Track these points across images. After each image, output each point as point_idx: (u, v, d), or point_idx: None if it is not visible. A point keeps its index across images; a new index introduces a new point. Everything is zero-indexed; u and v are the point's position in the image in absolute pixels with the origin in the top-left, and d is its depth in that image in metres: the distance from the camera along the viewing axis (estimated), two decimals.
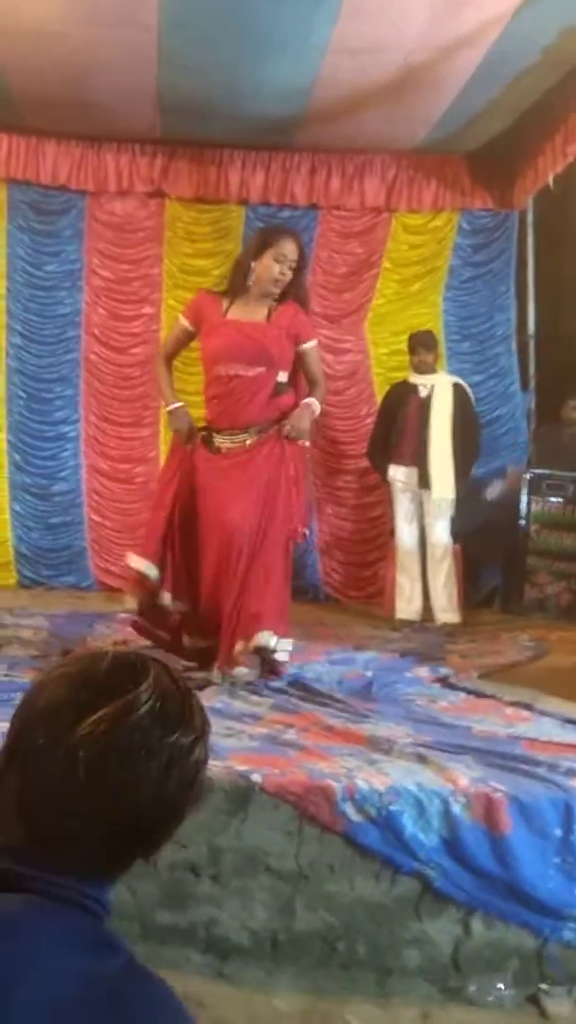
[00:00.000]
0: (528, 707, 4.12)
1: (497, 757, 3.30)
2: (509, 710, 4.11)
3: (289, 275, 4.25)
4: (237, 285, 4.32)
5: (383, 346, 7.27)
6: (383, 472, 6.52)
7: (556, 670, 4.97)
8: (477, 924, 2.88)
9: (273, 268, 4.22)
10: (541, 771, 3.14)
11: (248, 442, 4.26)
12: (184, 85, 5.90)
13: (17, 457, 7.23)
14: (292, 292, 4.35)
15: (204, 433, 4.40)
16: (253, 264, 4.25)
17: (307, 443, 4.43)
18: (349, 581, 7.28)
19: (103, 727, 1.04)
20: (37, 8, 5.08)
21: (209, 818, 2.88)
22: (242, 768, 3.02)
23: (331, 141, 6.82)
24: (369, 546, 7.26)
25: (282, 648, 4.27)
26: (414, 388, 6.43)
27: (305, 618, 5.63)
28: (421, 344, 6.47)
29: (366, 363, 7.31)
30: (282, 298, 4.34)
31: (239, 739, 3.44)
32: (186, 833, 2.83)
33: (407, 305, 7.30)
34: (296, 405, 4.34)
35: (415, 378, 6.47)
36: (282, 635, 4.27)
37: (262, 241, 4.33)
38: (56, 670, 1.12)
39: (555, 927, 2.87)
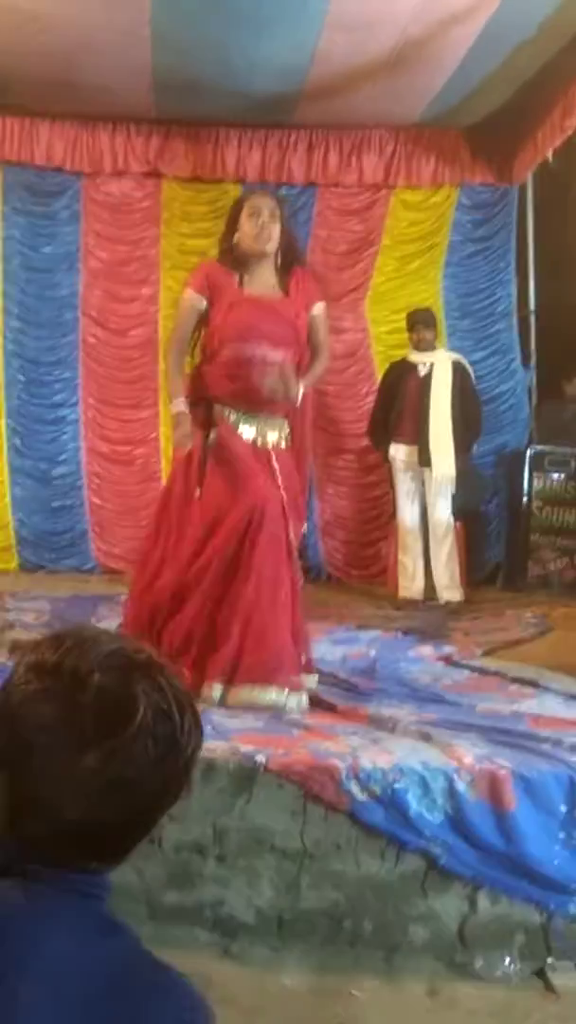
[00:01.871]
0: (532, 684, 4.12)
1: (501, 734, 3.31)
2: (513, 687, 4.11)
3: (272, 226, 3.92)
4: (233, 260, 4.01)
5: (383, 324, 7.24)
6: (384, 451, 6.50)
7: (560, 646, 4.97)
8: (483, 900, 2.89)
9: (251, 224, 3.90)
10: (545, 747, 3.14)
11: (272, 440, 3.95)
12: (178, 64, 5.86)
13: (17, 441, 7.21)
14: (292, 256, 4.07)
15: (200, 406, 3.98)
16: (236, 236, 3.97)
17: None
18: (351, 561, 7.29)
19: (102, 764, 1.02)
20: None
21: (214, 799, 2.88)
22: (246, 748, 3.02)
23: (328, 117, 6.77)
24: (371, 525, 7.25)
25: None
26: (414, 366, 6.41)
27: (307, 598, 5.57)
28: (420, 322, 6.44)
29: (366, 342, 7.29)
30: (287, 265, 4.04)
31: (243, 720, 3.45)
32: (192, 814, 2.83)
33: (407, 282, 7.26)
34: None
35: (415, 356, 6.44)
36: None
37: (233, 209, 4.08)
38: (32, 683, 1.05)
39: (561, 902, 2.88)
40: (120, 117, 6.90)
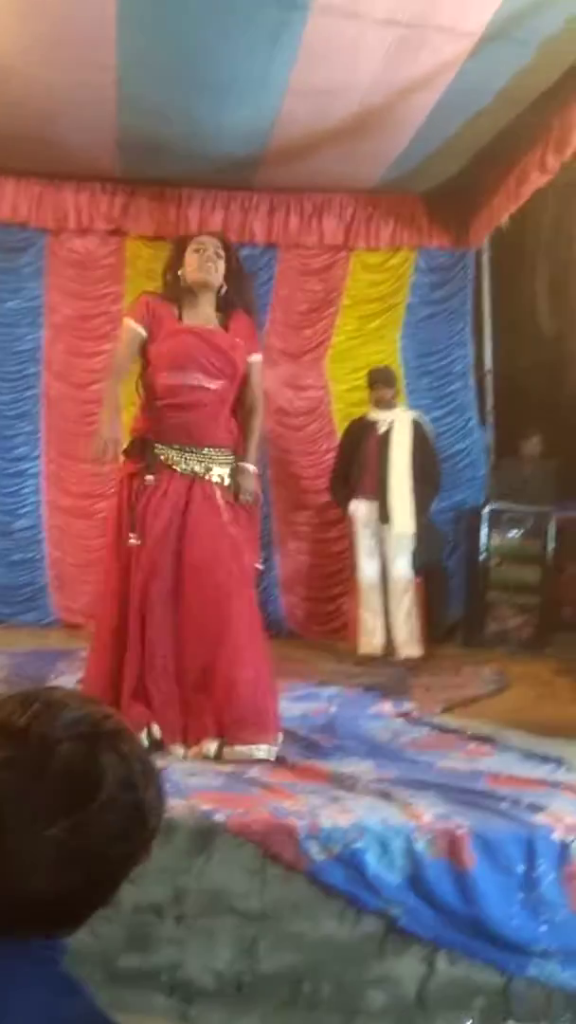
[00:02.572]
0: (491, 741, 4.13)
1: (460, 793, 3.31)
2: (472, 745, 4.12)
3: (217, 263, 3.98)
4: (174, 293, 4.06)
5: (343, 382, 7.32)
6: (344, 507, 6.54)
7: (518, 703, 5.00)
8: (442, 962, 2.87)
9: (196, 257, 3.96)
10: (504, 806, 3.15)
11: (220, 474, 3.96)
12: (143, 126, 5.95)
13: None
14: (238, 300, 4.11)
15: (137, 447, 4.05)
16: (180, 272, 4.02)
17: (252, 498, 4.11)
18: (311, 616, 7.28)
19: (67, 836, 1.02)
20: None
21: (172, 859, 2.85)
22: (205, 807, 3.00)
23: (290, 180, 6.89)
24: (331, 581, 7.26)
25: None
26: (373, 423, 6.47)
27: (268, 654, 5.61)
28: (380, 380, 6.52)
29: (326, 399, 7.36)
30: (229, 306, 4.09)
31: (202, 777, 3.42)
32: (150, 874, 2.80)
33: (366, 342, 7.37)
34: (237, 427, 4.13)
35: (374, 414, 6.51)
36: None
37: (178, 246, 4.15)
38: None
39: (520, 963, 2.87)
40: (85, 176, 6.98)
